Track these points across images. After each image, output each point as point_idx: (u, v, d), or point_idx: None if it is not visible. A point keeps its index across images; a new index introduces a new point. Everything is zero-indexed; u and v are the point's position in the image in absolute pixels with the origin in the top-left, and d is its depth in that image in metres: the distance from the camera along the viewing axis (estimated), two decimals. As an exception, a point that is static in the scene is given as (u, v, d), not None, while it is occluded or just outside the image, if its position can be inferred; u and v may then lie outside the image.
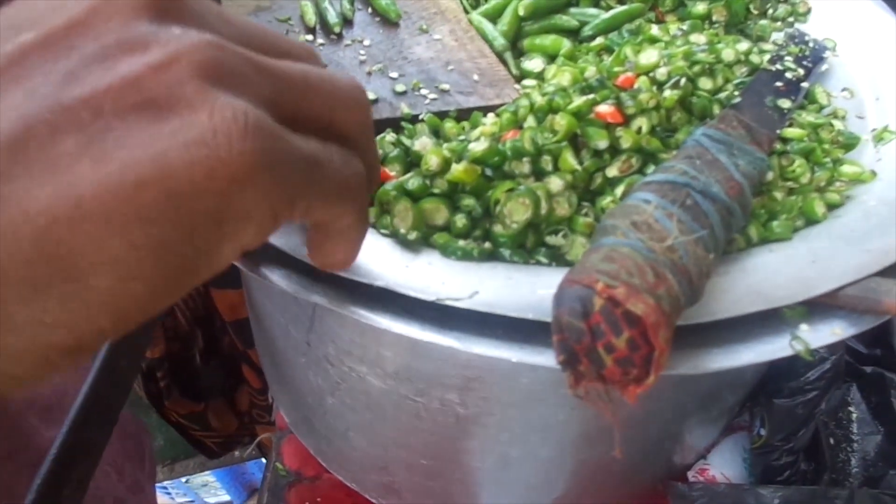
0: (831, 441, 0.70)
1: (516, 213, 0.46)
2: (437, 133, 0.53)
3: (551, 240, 0.47)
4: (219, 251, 0.24)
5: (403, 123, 0.53)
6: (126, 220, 0.22)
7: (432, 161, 0.48)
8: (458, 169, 0.47)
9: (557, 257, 0.46)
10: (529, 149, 0.48)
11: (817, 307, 0.45)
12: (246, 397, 1.25)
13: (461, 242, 0.46)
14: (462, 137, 0.51)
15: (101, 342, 0.23)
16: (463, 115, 0.54)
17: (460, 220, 0.47)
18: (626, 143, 0.49)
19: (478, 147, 0.48)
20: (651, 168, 0.49)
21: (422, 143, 0.51)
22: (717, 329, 0.44)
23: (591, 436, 0.57)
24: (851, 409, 0.70)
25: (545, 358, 0.40)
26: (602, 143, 0.49)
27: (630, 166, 0.49)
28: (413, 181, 0.48)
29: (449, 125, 0.53)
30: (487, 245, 0.46)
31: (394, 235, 0.46)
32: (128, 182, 0.21)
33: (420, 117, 0.54)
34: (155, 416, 1.19)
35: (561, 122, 0.48)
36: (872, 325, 0.44)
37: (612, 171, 0.49)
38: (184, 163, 0.22)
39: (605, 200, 0.48)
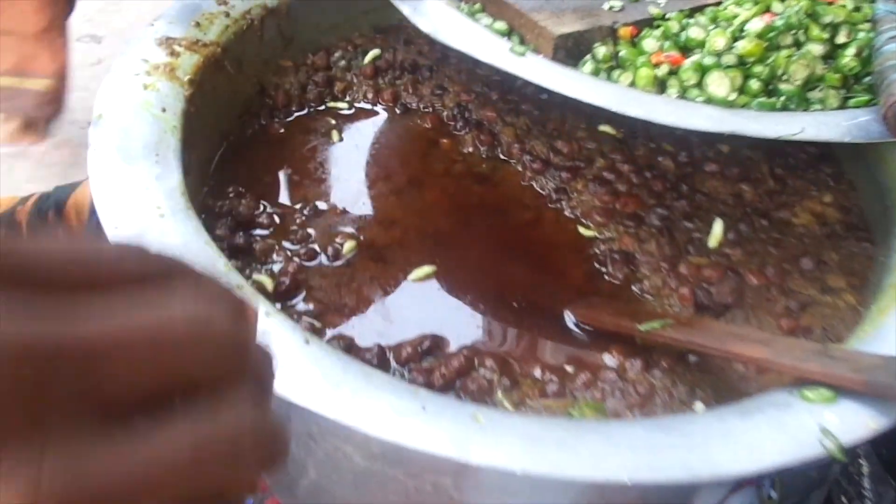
0: (843, 499, 0.68)
1: (798, 72, 0.67)
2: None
3: (813, 95, 0.68)
4: None
5: (657, 22, 0.77)
6: None
7: (719, 42, 0.70)
8: (748, 45, 0.69)
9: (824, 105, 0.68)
10: (795, 23, 0.69)
11: (842, 392, 0.45)
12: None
13: (761, 99, 0.67)
14: (711, 27, 0.73)
15: None
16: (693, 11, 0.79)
17: (755, 84, 0.68)
18: (840, 16, 0.71)
19: (755, 26, 0.70)
20: (859, 35, 0.71)
21: (695, 31, 0.73)
22: (731, 416, 0.46)
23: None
24: (862, 461, 0.68)
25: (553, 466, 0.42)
26: (828, 17, 0.71)
27: (849, 34, 0.71)
28: (707, 59, 0.69)
29: (703, 18, 0.76)
30: (781, 99, 0.67)
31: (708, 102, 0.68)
32: None
33: (666, 17, 0.77)
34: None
35: (801, 3, 0.71)
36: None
37: (840, 39, 0.71)
38: None
39: (844, 60, 0.69)
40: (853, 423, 0.45)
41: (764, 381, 0.60)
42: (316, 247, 0.73)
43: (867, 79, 0.70)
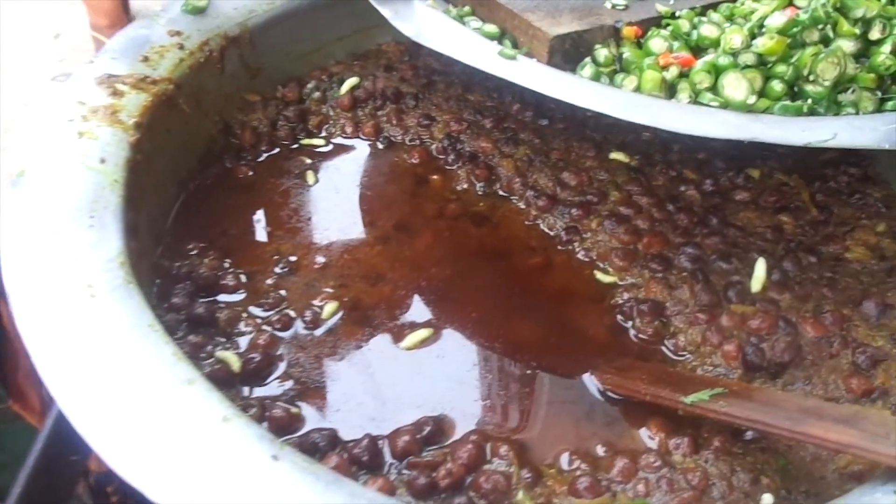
0: None
1: (827, 72, 0.60)
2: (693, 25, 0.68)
3: (844, 97, 0.61)
4: None
5: (665, 21, 0.70)
6: None
7: (735, 39, 0.63)
8: (769, 42, 0.61)
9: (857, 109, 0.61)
10: (822, 17, 0.62)
11: None
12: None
13: (784, 103, 0.60)
14: (727, 24, 0.66)
15: None
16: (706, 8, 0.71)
17: (777, 85, 0.61)
18: (873, 10, 0.63)
19: (777, 21, 0.63)
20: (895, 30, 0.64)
21: (708, 29, 0.66)
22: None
23: None
24: None
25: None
26: (859, 11, 0.63)
27: (884, 30, 0.63)
28: (722, 59, 0.62)
29: (717, 15, 0.68)
30: (808, 102, 0.59)
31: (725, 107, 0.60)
32: None
33: (676, 14, 0.70)
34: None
35: (828, -4, 0.62)
36: None
37: (874, 35, 0.63)
38: None
39: (879, 58, 0.62)
40: None
41: (843, 463, 0.49)
42: (291, 312, 0.62)
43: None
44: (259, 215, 0.74)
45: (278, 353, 0.59)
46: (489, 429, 0.54)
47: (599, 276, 0.67)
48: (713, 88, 0.62)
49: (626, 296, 0.64)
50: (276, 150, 0.81)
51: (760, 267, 0.62)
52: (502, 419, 0.56)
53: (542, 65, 0.67)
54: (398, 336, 0.61)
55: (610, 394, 0.57)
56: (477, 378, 0.59)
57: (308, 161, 0.80)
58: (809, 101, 0.60)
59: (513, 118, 0.83)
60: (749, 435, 0.52)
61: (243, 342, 0.60)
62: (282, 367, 0.58)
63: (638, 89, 0.64)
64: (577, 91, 0.62)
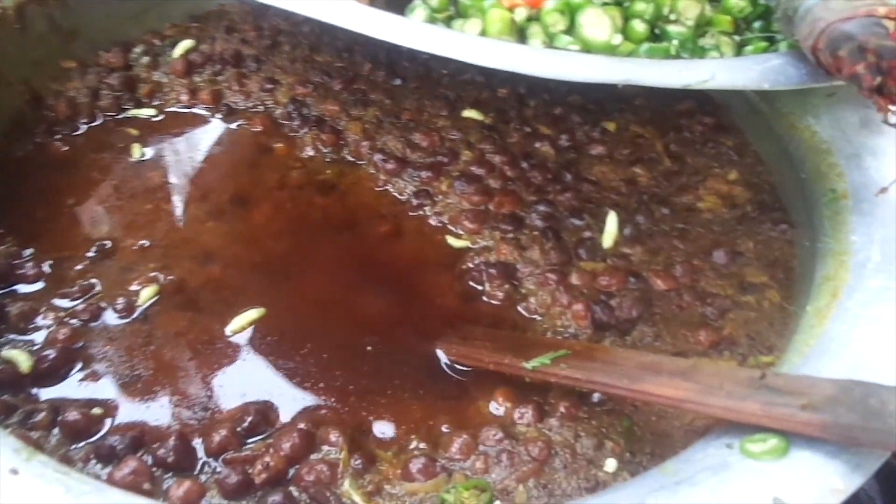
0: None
1: (689, 10, 0.57)
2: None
3: (704, 41, 0.58)
4: None
5: None
6: None
7: None
8: None
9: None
10: None
11: (797, 440, 0.34)
12: None
13: (651, 45, 0.56)
14: None
15: None
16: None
17: (639, 25, 0.56)
18: None
19: None
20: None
21: None
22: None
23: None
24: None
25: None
26: None
27: None
28: None
29: None
30: (674, 44, 0.57)
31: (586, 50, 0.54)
32: None
33: None
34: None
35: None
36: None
37: None
38: None
39: (732, 0, 0.59)
40: (814, 485, 0.32)
41: (689, 419, 0.47)
42: (101, 300, 0.55)
43: (758, 23, 0.60)
44: (73, 195, 0.65)
45: (81, 347, 0.52)
46: (322, 414, 0.49)
47: (451, 240, 0.62)
48: (570, 31, 0.56)
49: (477, 260, 0.60)
50: (99, 122, 0.72)
51: (612, 221, 0.60)
52: (337, 402, 0.50)
53: (366, 6, 0.59)
54: (224, 319, 0.55)
55: (457, 366, 0.53)
56: (311, 360, 0.53)
57: (135, 133, 0.72)
58: (675, 42, 0.57)
59: (364, 79, 0.77)
60: (596, 398, 0.49)
61: (40, 337, 0.52)
62: (85, 362, 0.51)
63: (484, 34, 0.58)
64: (418, 34, 0.53)
